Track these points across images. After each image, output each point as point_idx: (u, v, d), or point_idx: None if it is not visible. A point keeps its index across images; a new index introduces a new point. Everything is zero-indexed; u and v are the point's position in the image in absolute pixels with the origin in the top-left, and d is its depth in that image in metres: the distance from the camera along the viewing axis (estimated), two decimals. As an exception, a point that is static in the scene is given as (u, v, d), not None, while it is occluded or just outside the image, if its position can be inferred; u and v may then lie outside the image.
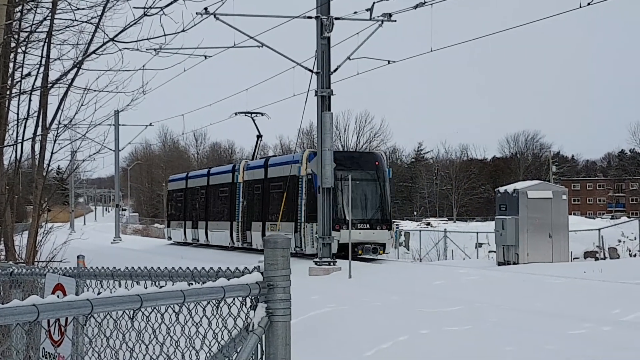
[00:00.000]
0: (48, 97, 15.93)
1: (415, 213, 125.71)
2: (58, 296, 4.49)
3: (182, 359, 4.20)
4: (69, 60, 15.80)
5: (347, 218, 27.66)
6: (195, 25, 12.57)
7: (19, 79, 16.67)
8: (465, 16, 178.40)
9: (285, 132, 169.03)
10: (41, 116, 15.91)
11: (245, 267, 4.04)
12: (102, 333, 4.90)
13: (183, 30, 12.09)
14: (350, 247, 24.23)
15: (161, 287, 3.79)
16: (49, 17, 15.35)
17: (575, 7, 20.56)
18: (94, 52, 14.04)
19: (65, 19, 15.71)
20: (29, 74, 16.54)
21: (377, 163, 30.58)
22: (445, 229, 42.51)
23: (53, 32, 15.45)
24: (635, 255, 30.66)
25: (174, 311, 4.09)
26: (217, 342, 4.02)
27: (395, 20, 26.05)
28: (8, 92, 15.72)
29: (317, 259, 25.28)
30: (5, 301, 6.16)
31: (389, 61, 28.16)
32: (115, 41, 12.96)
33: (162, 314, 4.15)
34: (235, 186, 37.95)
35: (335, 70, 25.94)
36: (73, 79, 15.35)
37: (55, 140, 16.52)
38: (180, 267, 4.43)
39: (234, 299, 3.93)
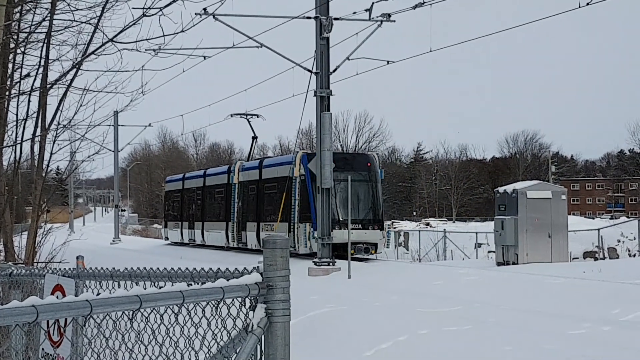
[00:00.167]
0: (47, 97, 15.93)
1: (414, 213, 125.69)
2: (57, 297, 4.50)
3: (182, 360, 4.20)
4: (68, 60, 15.80)
5: (341, 218, 28.27)
6: (194, 25, 12.57)
7: (18, 79, 16.68)
8: (464, 16, 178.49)
9: (284, 133, 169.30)
10: (40, 117, 15.91)
11: (245, 268, 4.04)
12: (102, 334, 4.90)
13: (182, 31, 12.09)
14: (349, 247, 24.39)
15: (160, 287, 3.79)
16: (48, 18, 15.35)
17: (574, 7, 20.59)
18: (93, 52, 14.05)
19: (65, 20, 15.72)
20: (28, 75, 16.55)
21: (369, 164, 31.08)
22: (444, 229, 42.53)
23: (52, 33, 15.45)
24: (634, 255, 30.66)
25: (173, 312, 4.09)
26: (217, 343, 4.02)
27: (395, 21, 26.06)
28: (7, 93, 15.72)
29: (316, 259, 25.29)
30: (5, 302, 6.15)
31: (388, 61, 28.16)
32: (115, 42, 12.96)
33: (161, 314, 4.15)
34: (230, 187, 38.32)
35: (334, 71, 25.95)
36: (72, 80, 15.36)
37: (54, 141, 16.53)
38: (179, 268, 4.43)
39: (233, 300, 3.93)
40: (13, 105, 16.58)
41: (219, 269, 4.15)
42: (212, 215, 41.25)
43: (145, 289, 3.59)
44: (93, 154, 19.06)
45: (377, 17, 25.86)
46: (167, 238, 50.06)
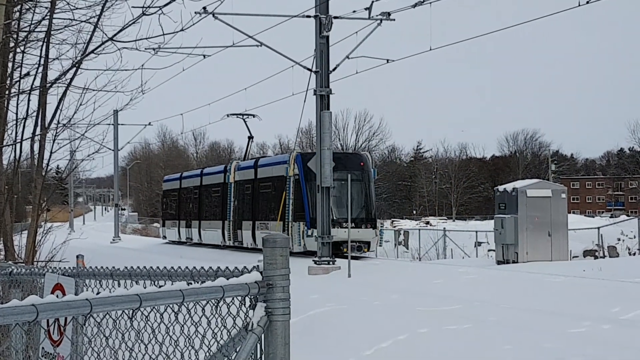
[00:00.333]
0: (47, 96, 15.93)
1: (414, 212, 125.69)
2: (57, 296, 4.49)
3: (182, 359, 4.20)
4: (67, 59, 15.80)
5: (334, 217, 28.59)
6: (194, 24, 12.57)
7: (18, 78, 16.67)
8: (464, 15, 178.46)
9: (284, 132, 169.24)
10: (40, 116, 15.91)
11: (245, 267, 4.04)
12: (102, 333, 4.90)
13: (182, 30, 12.09)
14: (349, 246, 24.51)
15: (160, 286, 3.79)
16: (48, 17, 15.35)
17: (574, 5, 20.58)
18: (92, 51, 14.05)
19: (64, 19, 15.72)
20: (27, 74, 16.54)
21: (362, 164, 31.33)
22: (444, 228, 42.53)
23: (52, 32, 15.45)
24: (634, 254, 30.67)
25: (173, 311, 4.09)
26: (217, 342, 4.02)
27: (394, 19, 26.04)
28: (7, 92, 15.71)
29: (316, 258, 25.30)
30: (5, 301, 6.16)
31: (387, 60, 28.15)
32: (114, 40, 12.96)
33: (161, 313, 4.15)
34: (226, 186, 38.81)
35: (334, 70, 25.93)
36: (72, 79, 15.37)
37: (54, 140, 16.54)
38: (179, 267, 4.43)
39: (233, 299, 3.93)
40: (13, 104, 16.60)
41: (218, 267, 4.15)
42: (209, 214, 41.68)
43: (145, 288, 3.59)
44: (93, 153, 19.11)
45: (376, 15, 25.85)
46: (164, 237, 50.41)
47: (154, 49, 14.85)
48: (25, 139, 16.35)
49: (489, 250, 34.60)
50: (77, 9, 14.65)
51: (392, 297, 16.59)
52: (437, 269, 24.13)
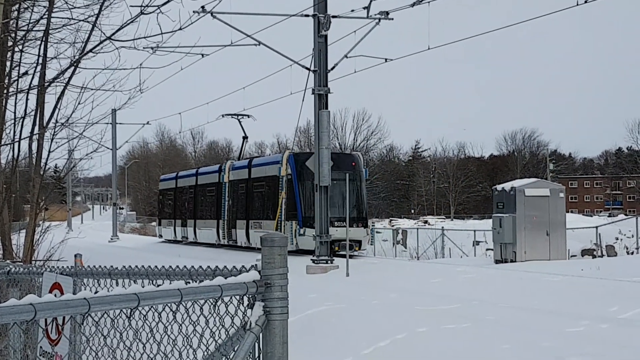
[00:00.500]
0: (45, 95, 15.92)
1: (412, 211, 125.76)
2: (55, 295, 4.49)
3: (180, 358, 4.20)
4: (66, 58, 15.80)
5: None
6: (192, 23, 12.60)
7: (16, 77, 16.65)
8: (462, 14, 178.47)
9: (282, 131, 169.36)
10: (38, 115, 15.90)
11: (243, 266, 4.04)
12: (100, 332, 4.90)
13: (180, 29, 12.10)
14: (348, 245, 24.55)
15: (158, 285, 3.78)
16: (46, 16, 15.33)
17: (572, 4, 20.58)
18: (91, 50, 14.05)
19: (62, 18, 15.72)
20: (26, 73, 16.52)
21: (353, 164, 31.70)
22: (442, 227, 42.53)
23: (50, 31, 15.44)
24: (632, 253, 30.68)
25: (171, 310, 4.09)
26: (215, 341, 4.02)
27: (393, 19, 26.03)
28: (5, 91, 15.70)
29: (314, 257, 25.31)
30: (3, 300, 6.15)
31: (386, 59, 28.17)
32: (112, 40, 12.97)
33: (159, 312, 4.14)
34: (221, 186, 39.28)
35: (332, 69, 25.93)
36: (70, 78, 15.36)
37: (52, 139, 16.51)
38: (177, 266, 4.43)
39: (231, 298, 3.93)
40: (11, 103, 16.58)
41: (216, 267, 4.14)
42: (204, 213, 42.16)
43: (143, 287, 3.59)
44: (91, 152, 19.09)
45: (375, 14, 25.86)
46: (160, 236, 50.84)
47: (152, 48, 14.86)
48: (24, 138, 16.33)
49: (487, 250, 34.59)
50: (75, 7, 14.65)
51: (391, 296, 16.59)
52: (436, 268, 24.14)
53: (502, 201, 27.46)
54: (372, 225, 35.95)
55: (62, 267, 6.23)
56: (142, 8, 11.50)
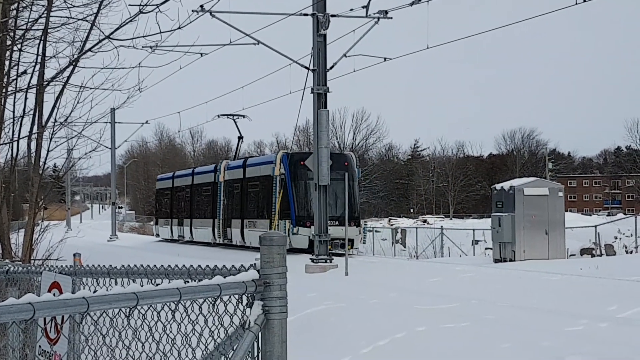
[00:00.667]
0: (44, 94, 15.92)
1: (411, 210, 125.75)
2: (54, 294, 4.49)
3: (179, 357, 4.19)
4: (64, 57, 15.81)
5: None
6: (191, 22, 12.61)
7: (15, 76, 16.66)
8: (461, 13, 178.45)
9: (281, 130, 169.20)
10: (37, 114, 15.91)
11: (242, 265, 4.03)
12: (99, 331, 4.90)
13: (179, 28, 12.10)
14: (347, 244, 24.69)
15: (157, 284, 3.78)
16: (45, 15, 15.33)
17: (570, 4, 20.58)
18: (89, 49, 14.05)
19: (61, 17, 15.72)
20: (24, 72, 16.54)
21: (346, 164, 32.09)
22: (441, 226, 42.50)
23: (49, 30, 15.44)
24: (631, 252, 30.69)
25: (170, 309, 4.08)
26: (214, 340, 4.02)
27: (392, 18, 26.04)
28: (4, 90, 15.70)
29: (313, 256, 25.31)
30: (1, 299, 6.15)
31: (385, 58, 28.17)
32: (111, 39, 12.97)
33: (158, 311, 4.14)
34: (216, 185, 39.82)
35: (331, 68, 25.92)
36: (69, 77, 15.36)
37: (51, 138, 16.54)
38: (176, 265, 4.43)
39: (230, 297, 3.93)
40: (10, 103, 16.59)
41: (215, 266, 4.14)
42: (200, 212, 42.67)
43: (142, 286, 3.58)
44: (90, 151, 19.09)
45: (374, 13, 25.86)
46: (157, 235, 51.24)
47: (151, 47, 14.87)
48: (22, 137, 16.34)
49: (486, 249, 34.58)
50: (74, 6, 14.66)
51: (390, 296, 16.59)
52: (435, 268, 24.12)
53: (501, 200, 27.46)
54: (365, 224, 36.40)
55: (61, 266, 6.23)
56: (141, 7, 11.50)
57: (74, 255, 6.86)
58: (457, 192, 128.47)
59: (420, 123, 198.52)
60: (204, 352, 4.03)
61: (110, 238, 55.15)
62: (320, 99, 25.41)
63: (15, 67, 16.81)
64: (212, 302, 3.97)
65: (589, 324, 12.18)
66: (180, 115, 50.29)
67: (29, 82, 16.11)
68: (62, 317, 5.51)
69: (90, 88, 15.30)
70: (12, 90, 16.38)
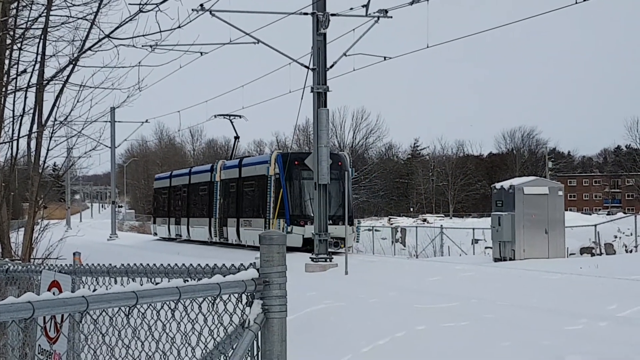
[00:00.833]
0: (44, 93, 15.92)
1: (411, 209, 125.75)
2: (54, 293, 4.48)
3: (178, 356, 4.19)
4: (64, 57, 15.80)
5: (312, 214, 29.79)
6: (190, 21, 12.61)
7: (15, 75, 16.65)
8: (461, 13, 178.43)
9: (281, 129, 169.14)
10: (37, 113, 15.90)
11: (241, 264, 4.03)
12: (98, 330, 4.90)
13: (179, 27, 12.10)
14: (347, 242, 24.69)
15: (157, 283, 3.78)
16: (45, 14, 15.32)
17: (570, 3, 20.57)
18: (89, 48, 14.05)
19: (61, 16, 15.72)
20: (24, 71, 16.53)
21: (340, 163, 32.34)
22: (441, 225, 42.50)
23: (48, 29, 15.44)
24: (631, 251, 30.68)
25: (169, 308, 4.08)
26: (213, 339, 4.01)
27: (392, 17, 26.02)
28: (3, 89, 15.69)
29: (313, 255, 25.30)
30: (1, 298, 6.15)
31: (385, 57, 28.17)
32: (111, 38, 12.96)
33: (157, 310, 4.14)
34: (213, 185, 40.29)
35: (331, 67, 25.91)
36: (69, 76, 15.36)
37: (51, 137, 16.54)
38: (175, 264, 4.43)
39: (229, 296, 3.93)
40: (10, 102, 16.58)
41: (215, 264, 4.14)
42: (197, 211, 43.10)
43: (141, 285, 3.58)
44: (90, 150, 19.07)
45: (374, 13, 25.85)
46: (155, 234, 51.62)
47: (151, 46, 14.88)
48: (22, 136, 16.33)
49: (486, 248, 34.57)
50: (74, 5, 14.65)
51: (390, 295, 16.58)
52: (434, 267, 24.11)
53: (501, 199, 27.45)
54: (358, 223, 36.78)
55: (61, 265, 6.23)
56: (141, 6, 11.50)
57: (74, 254, 6.87)
58: (457, 191, 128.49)
59: (420, 122, 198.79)
60: (204, 351, 4.02)
61: (110, 237, 55.19)
62: (320, 98, 25.41)
63: (15, 66, 16.80)
64: (212, 301, 3.97)
65: (588, 323, 12.18)
66: (180, 114, 50.52)
67: (29, 81, 16.11)
68: (62, 316, 5.51)
69: (90, 87, 15.31)
70: (12, 89, 16.38)
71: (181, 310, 4.07)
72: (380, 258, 31.00)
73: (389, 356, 11.12)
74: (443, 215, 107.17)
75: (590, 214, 77.38)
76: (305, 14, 25.68)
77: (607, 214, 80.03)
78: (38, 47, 15.76)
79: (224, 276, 3.88)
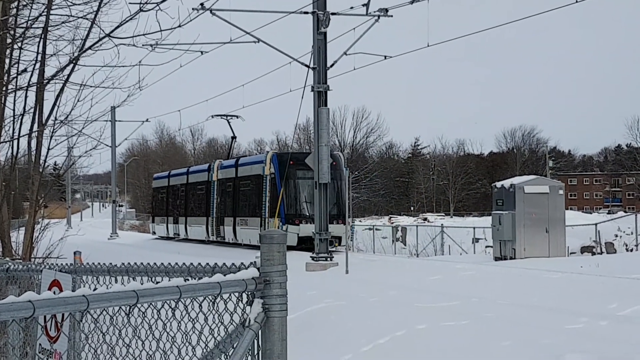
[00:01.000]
0: (44, 93, 15.91)
1: (412, 208, 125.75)
2: (54, 292, 4.49)
3: (179, 355, 4.20)
4: (65, 56, 15.79)
5: (307, 213, 30.93)
6: (191, 20, 12.61)
7: (15, 75, 16.64)
8: (461, 12, 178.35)
9: (282, 128, 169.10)
10: (37, 112, 15.90)
11: (242, 263, 4.03)
12: (99, 329, 4.90)
13: (179, 26, 12.10)
14: (347, 242, 24.70)
15: (157, 283, 3.78)
16: (45, 13, 15.32)
17: (571, 2, 20.56)
18: (90, 47, 14.05)
19: (61, 15, 15.71)
20: (25, 70, 16.51)
21: (334, 163, 32.17)
22: (442, 224, 42.50)
23: (49, 28, 15.43)
24: (632, 250, 30.68)
25: (170, 307, 4.08)
26: (214, 338, 4.02)
27: (392, 16, 26.03)
28: (4, 89, 15.69)
29: (313, 254, 25.30)
30: (2, 297, 6.15)
31: (385, 56, 28.16)
32: (112, 37, 12.96)
33: (158, 309, 4.14)
34: (210, 184, 40.69)
35: (331, 66, 25.91)
36: (69, 75, 15.35)
37: (51, 137, 16.53)
38: (176, 263, 4.43)
39: (230, 295, 3.93)
40: (10, 101, 16.57)
41: (215, 264, 4.14)
42: (194, 210, 43.49)
43: (142, 284, 3.58)
44: (90, 150, 19.06)
45: (374, 12, 25.85)
46: (154, 233, 52.02)
47: (151, 45, 14.88)
48: (23, 136, 16.33)
49: (486, 247, 34.57)
50: (74, 5, 14.65)
51: (390, 294, 16.59)
52: (435, 266, 24.12)
53: (501, 198, 27.45)
54: (352, 222, 37.22)
55: (61, 264, 6.23)
56: (141, 5, 11.50)
57: (74, 253, 6.87)
58: (458, 190, 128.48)
59: (421, 121, 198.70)
60: (204, 350, 4.03)
61: (111, 236, 55.23)
62: (321, 97, 25.41)
63: (16, 65, 16.79)
64: (212, 300, 3.97)
65: (589, 322, 12.18)
66: (180, 114, 50.58)
67: (29, 80, 16.10)
68: (62, 315, 5.51)
69: (91, 86, 15.30)
70: (12, 89, 16.37)
71: (182, 309, 4.08)
72: (380, 257, 31.01)
73: (390, 355, 11.13)
74: (444, 214, 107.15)
75: (590, 213, 77.41)
76: (306, 13, 25.68)
77: (608, 213, 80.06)
78: (38, 46, 15.77)
79: (225, 275, 3.88)
